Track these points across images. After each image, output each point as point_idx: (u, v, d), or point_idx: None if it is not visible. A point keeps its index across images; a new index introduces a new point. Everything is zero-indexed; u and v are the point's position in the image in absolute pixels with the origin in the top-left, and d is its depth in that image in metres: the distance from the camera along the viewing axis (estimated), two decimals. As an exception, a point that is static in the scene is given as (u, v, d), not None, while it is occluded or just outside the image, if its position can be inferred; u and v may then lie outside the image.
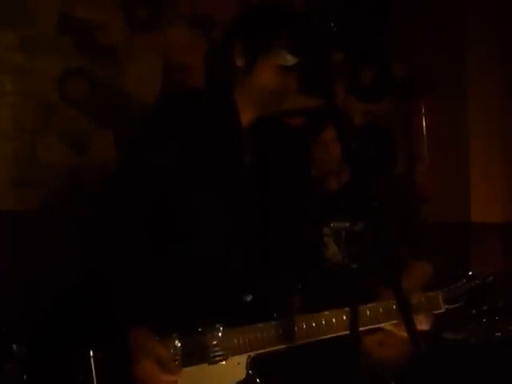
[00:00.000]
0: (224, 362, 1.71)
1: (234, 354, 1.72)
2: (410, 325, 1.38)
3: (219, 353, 1.71)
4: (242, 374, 1.73)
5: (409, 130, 3.76)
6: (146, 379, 1.64)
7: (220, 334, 1.70)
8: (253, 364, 1.73)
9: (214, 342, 1.70)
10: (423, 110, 3.70)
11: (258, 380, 1.74)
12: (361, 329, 1.70)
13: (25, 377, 1.70)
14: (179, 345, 1.67)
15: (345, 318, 1.76)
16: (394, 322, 1.82)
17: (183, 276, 1.77)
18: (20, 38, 2.98)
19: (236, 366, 1.72)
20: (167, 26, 3.24)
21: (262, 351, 1.74)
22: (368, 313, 1.79)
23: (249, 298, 1.76)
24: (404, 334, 1.51)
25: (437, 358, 2.14)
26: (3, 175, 2.94)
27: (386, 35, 3.72)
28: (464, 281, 1.88)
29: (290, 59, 1.76)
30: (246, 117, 1.84)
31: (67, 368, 1.66)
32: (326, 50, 1.85)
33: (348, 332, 1.59)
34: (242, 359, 1.72)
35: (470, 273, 1.89)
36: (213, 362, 1.70)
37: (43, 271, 2.72)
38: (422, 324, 1.86)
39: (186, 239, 1.78)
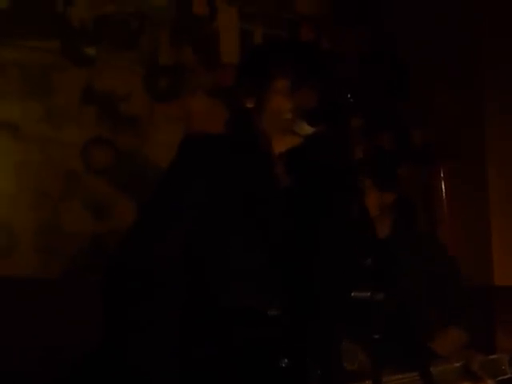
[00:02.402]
0: None
1: None
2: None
3: None
4: None
5: (428, 194, 3.76)
6: None
7: None
8: None
9: None
10: (442, 174, 3.71)
11: None
12: None
13: None
14: None
15: None
16: None
17: (209, 334, 1.64)
18: (45, 109, 3.06)
19: None
20: (188, 96, 3.32)
21: None
22: None
23: (284, 362, 1.60)
24: None
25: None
26: (27, 242, 2.98)
27: (404, 101, 3.76)
28: None
29: (307, 129, 1.78)
30: (278, 149, 1.79)
31: None
32: (343, 119, 1.86)
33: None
34: None
35: None
36: None
37: (65, 338, 2.72)
38: None
39: (217, 291, 1.66)
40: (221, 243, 1.68)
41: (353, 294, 1.56)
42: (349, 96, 1.78)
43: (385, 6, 3.80)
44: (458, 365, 1.69)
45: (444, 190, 3.71)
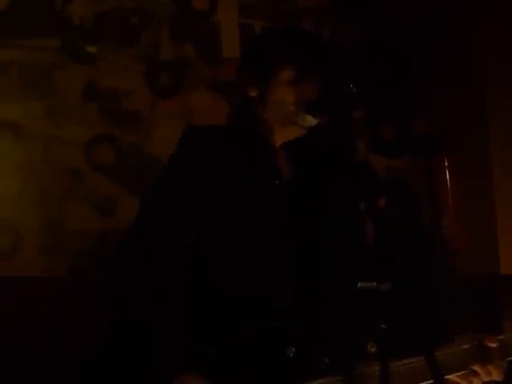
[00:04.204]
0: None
1: None
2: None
3: None
4: None
5: (432, 184, 3.75)
6: None
7: None
8: None
9: None
10: (446, 164, 3.70)
11: None
12: None
13: None
14: None
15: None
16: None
17: (216, 324, 1.64)
18: (47, 108, 3.06)
19: None
20: (189, 91, 3.31)
21: None
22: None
23: (291, 351, 1.61)
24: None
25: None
26: (31, 242, 2.98)
27: (406, 92, 3.75)
28: None
29: (310, 121, 1.77)
30: (277, 141, 1.80)
31: None
32: (346, 109, 1.86)
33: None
34: None
35: None
36: None
37: (71, 336, 2.72)
38: (493, 374, 1.67)
39: (223, 280, 1.66)
40: (225, 234, 1.68)
41: (359, 285, 1.55)
42: (351, 86, 1.77)
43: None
44: (466, 347, 1.69)
45: (448, 181, 3.70)
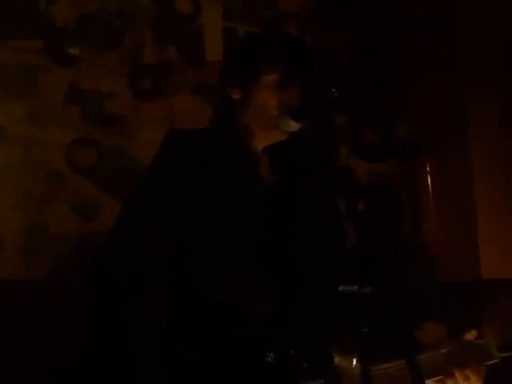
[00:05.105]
0: None
1: None
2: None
3: None
4: None
5: (414, 189, 3.77)
6: None
7: None
8: None
9: None
10: (428, 169, 3.72)
11: None
12: None
13: None
14: None
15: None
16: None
17: (196, 331, 1.63)
18: (29, 110, 3.04)
19: None
20: (172, 94, 3.31)
21: None
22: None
23: (270, 357, 1.61)
24: None
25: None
26: (11, 244, 2.96)
27: (388, 97, 3.77)
28: None
29: (293, 125, 1.78)
30: (258, 145, 1.80)
31: None
32: (328, 114, 1.86)
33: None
34: None
35: None
36: None
37: (51, 339, 2.71)
38: (472, 378, 1.66)
39: (204, 286, 1.65)
40: (205, 239, 1.68)
41: (340, 288, 1.56)
42: (333, 91, 1.78)
43: (370, 2, 3.81)
44: (444, 351, 1.70)
45: (430, 185, 3.72)
